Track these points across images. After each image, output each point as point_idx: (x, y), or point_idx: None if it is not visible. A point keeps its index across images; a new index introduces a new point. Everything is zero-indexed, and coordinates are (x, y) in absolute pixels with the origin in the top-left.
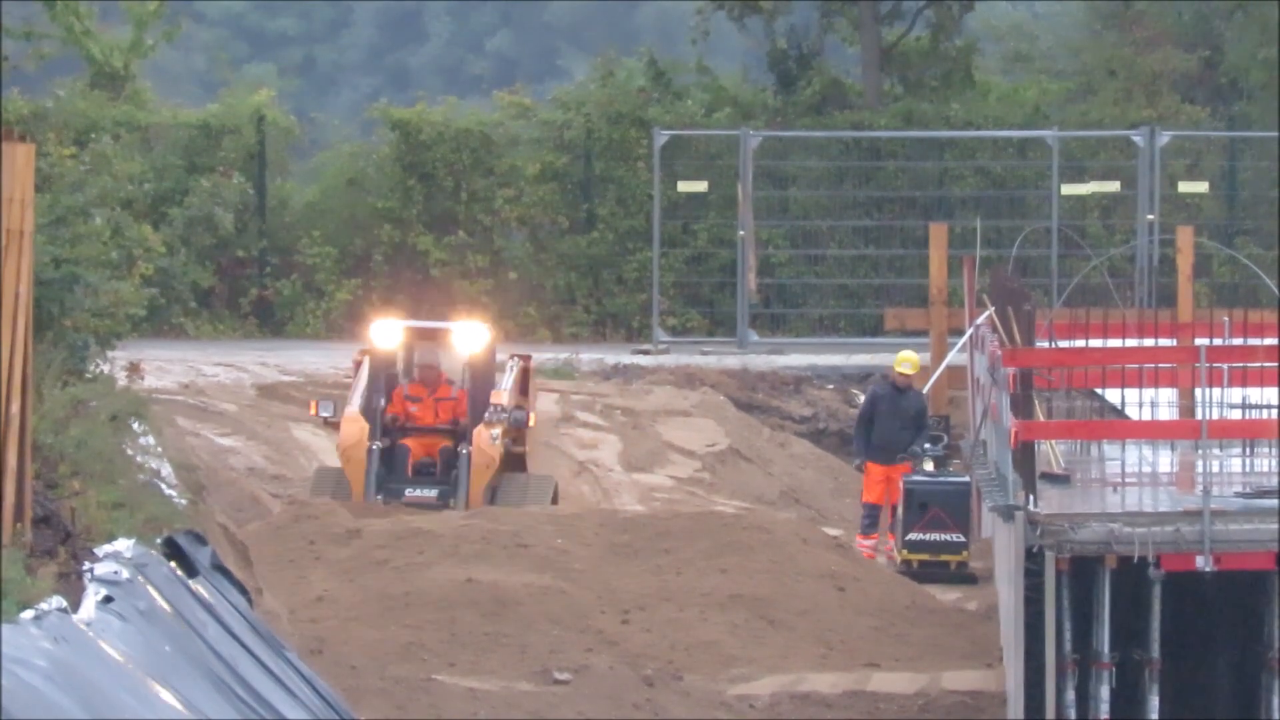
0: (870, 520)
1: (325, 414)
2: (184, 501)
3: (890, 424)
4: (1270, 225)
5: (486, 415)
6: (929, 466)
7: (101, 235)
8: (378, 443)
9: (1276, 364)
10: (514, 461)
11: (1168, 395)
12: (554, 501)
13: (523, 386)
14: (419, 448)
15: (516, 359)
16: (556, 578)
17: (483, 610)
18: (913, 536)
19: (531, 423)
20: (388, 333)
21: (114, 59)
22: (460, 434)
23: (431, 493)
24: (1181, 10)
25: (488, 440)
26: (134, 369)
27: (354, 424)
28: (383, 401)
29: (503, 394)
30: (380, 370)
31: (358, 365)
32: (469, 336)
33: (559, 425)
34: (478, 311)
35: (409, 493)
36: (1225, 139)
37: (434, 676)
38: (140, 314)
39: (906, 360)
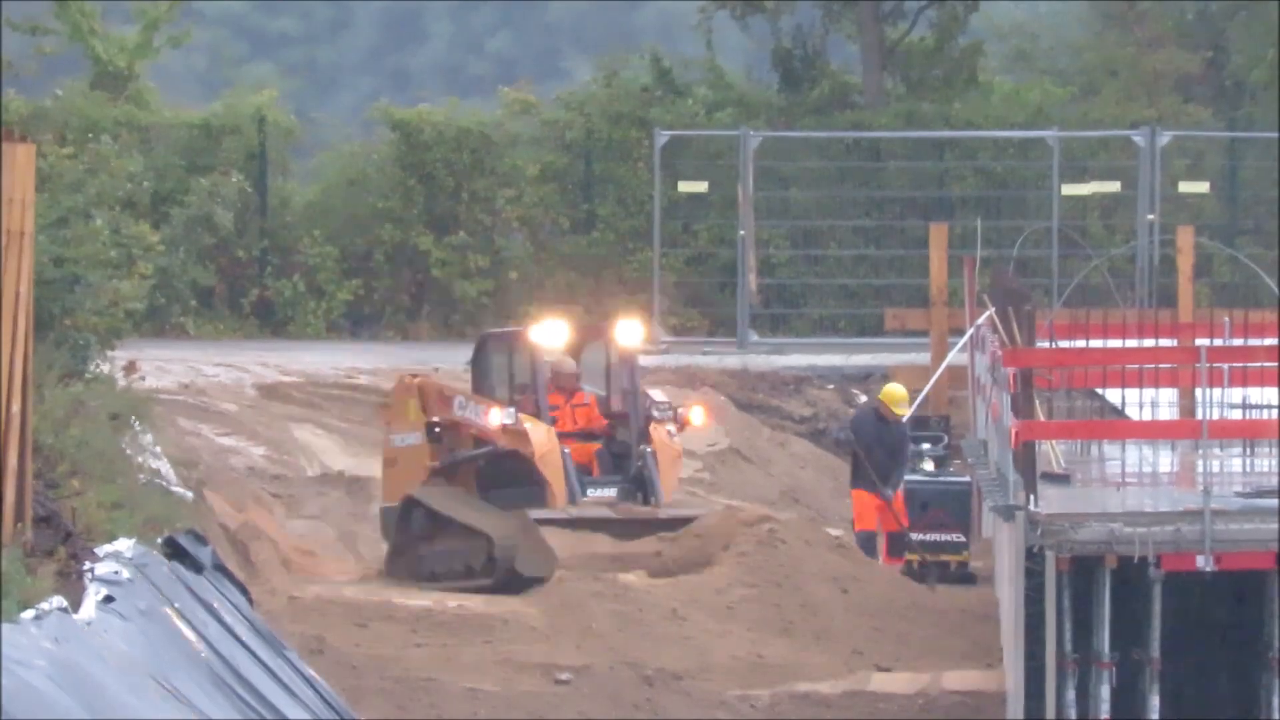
0: (868, 550)
1: (507, 421)
2: (186, 498)
3: (880, 454)
4: (1270, 225)
5: (656, 414)
6: (929, 466)
7: (101, 235)
8: (564, 446)
9: (1276, 364)
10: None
11: (1168, 395)
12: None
13: None
14: (572, 454)
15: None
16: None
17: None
18: (914, 536)
19: (701, 420)
20: (554, 332)
21: (118, 59)
22: (608, 437)
23: (611, 491)
24: (1184, 10)
25: (666, 435)
26: (131, 367)
27: (541, 429)
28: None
29: (657, 391)
30: (539, 371)
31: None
32: (627, 333)
33: None
34: (479, 312)
35: (591, 493)
36: (1226, 139)
37: (434, 676)
38: (140, 308)
39: (901, 400)
